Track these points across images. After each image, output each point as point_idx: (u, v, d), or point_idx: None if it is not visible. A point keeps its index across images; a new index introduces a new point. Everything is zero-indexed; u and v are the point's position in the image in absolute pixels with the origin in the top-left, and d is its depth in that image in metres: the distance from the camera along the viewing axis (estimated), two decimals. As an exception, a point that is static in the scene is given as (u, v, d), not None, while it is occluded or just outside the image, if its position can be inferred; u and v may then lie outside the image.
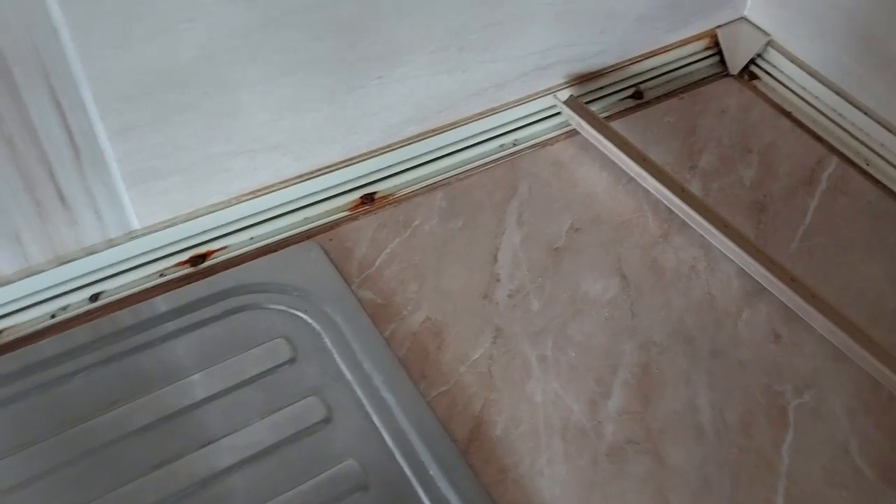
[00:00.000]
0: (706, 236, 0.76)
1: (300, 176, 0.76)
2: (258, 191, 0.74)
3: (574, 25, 0.82)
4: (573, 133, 0.86)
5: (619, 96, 0.89)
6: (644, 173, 0.79)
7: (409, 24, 0.71)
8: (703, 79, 0.93)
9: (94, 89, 0.58)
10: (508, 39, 0.79)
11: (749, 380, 0.67)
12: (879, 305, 0.73)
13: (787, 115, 0.90)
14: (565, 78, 0.87)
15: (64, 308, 0.67)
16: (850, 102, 0.87)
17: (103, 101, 0.60)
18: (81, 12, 0.54)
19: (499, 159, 0.83)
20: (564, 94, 0.86)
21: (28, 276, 0.66)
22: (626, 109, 0.89)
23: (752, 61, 0.94)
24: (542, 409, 0.64)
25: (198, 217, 0.72)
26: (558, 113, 0.87)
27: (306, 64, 0.68)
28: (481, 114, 0.83)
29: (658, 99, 0.91)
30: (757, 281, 0.73)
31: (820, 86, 0.89)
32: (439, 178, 0.80)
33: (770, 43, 0.93)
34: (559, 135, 0.85)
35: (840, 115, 0.88)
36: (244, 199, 0.74)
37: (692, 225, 0.77)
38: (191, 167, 0.68)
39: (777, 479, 0.61)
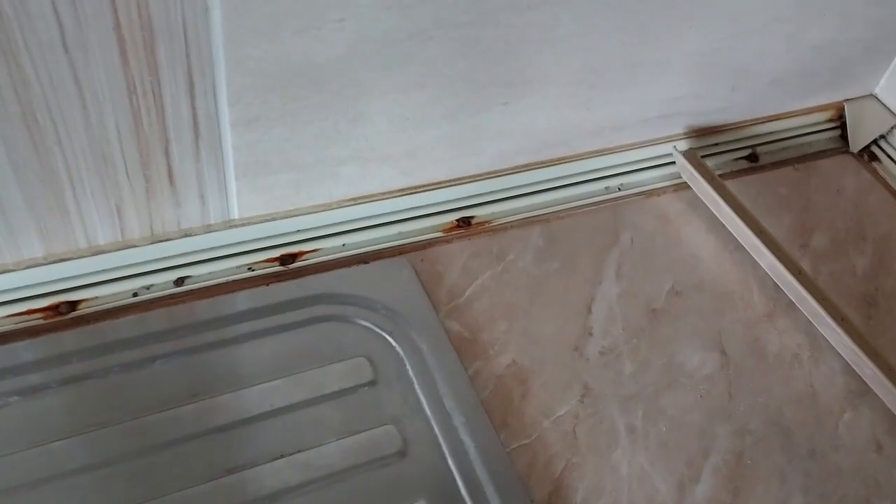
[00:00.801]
0: (814, 322, 0.72)
1: (403, 189, 0.73)
2: (360, 198, 0.72)
3: (707, 78, 0.78)
4: (682, 187, 0.82)
5: (733, 155, 0.86)
6: (758, 243, 0.75)
7: (548, 55, 0.68)
8: (822, 151, 0.89)
9: (229, 75, 0.56)
10: (640, 83, 0.75)
11: (846, 489, 0.63)
12: None
13: (904, 201, 0.87)
14: (685, 129, 0.83)
15: (148, 287, 0.65)
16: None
17: (236, 88, 0.57)
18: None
19: (602, 202, 0.79)
20: (682, 145, 0.83)
21: (119, 250, 0.64)
22: (739, 171, 0.85)
23: (875, 142, 0.90)
24: (627, 482, 0.61)
25: (296, 216, 0.69)
26: (670, 163, 0.83)
27: (440, 80, 0.65)
28: (594, 152, 0.80)
29: (773, 165, 0.87)
30: (863, 381, 0.69)
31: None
32: (539, 212, 0.77)
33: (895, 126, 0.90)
34: (667, 186, 0.82)
35: (964, 215, 0.84)
36: (345, 204, 0.71)
37: (801, 308, 0.73)
38: (302, 166, 0.65)
39: None
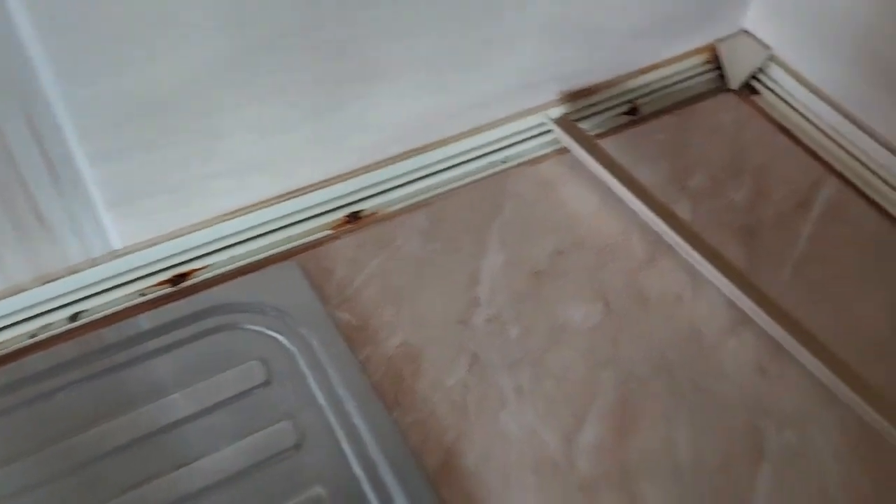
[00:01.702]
0: (693, 262, 0.76)
1: (283, 195, 0.76)
2: (241, 210, 0.75)
3: (563, 41, 0.81)
4: (564, 151, 0.85)
5: (613, 112, 0.88)
6: (632, 196, 0.78)
7: (393, 46, 0.71)
8: (702, 94, 0.92)
9: (73, 116, 0.59)
10: (495, 58, 0.78)
11: (731, 416, 0.67)
12: (873, 340, 0.72)
13: (786, 132, 0.88)
14: (557, 95, 0.86)
15: (45, 327, 0.68)
16: (853, 121, 0.85)
17: (83, 126, 0.60)
18: (59, 41, 0.55)
19: (486, 178, 0.83)
20: (557, 111, 0.86)
21: (9, 296, 0.68)
22: (620, 126, 0.88)
23: (753, 76, 0.93)
24: (516, 441, 0.64)
25: (180, 237, 0.72)
26: (549, 131, 0.86)
27: (293, 85, 0.68)
28: (468, 132, 0.82)
29: (654, 115, 0.90)
30: (744, 311, 0.73)
31: (821, 103, 0.87)
32: (424, 196, 0.80)
33: (772, 57, 0.92)
34: (550, 152, 0.85)
35: (841, 134, 0.86)
36: (227, 218, 0.74)
37: (679, 251, 0.77)
38: (174, 188, 0.68)
39: (752, 519, 0.61)
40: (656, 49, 0.90)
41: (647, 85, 0.90)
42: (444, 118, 0.80)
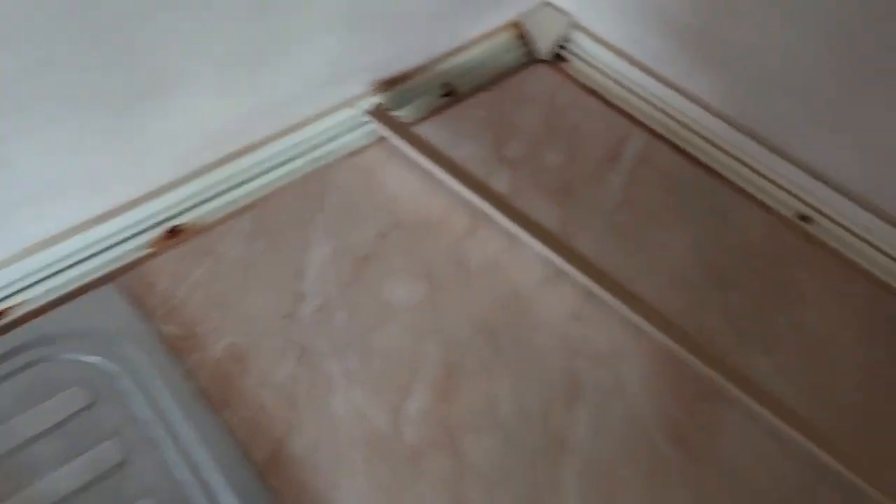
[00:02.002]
0: (508, 228, 0.79)
1: (96, 218, 0.75)
2: (52, 239, 0.74)
3: (363, 31, 0.84)
4: (384, 139, 0.88)
5: (431, 96, 0.91)
6: (446, 175, 0.81)
7: (182, 53, 0.71)
8: (514, 68, 0.96)
9: None
10: (296, 54, 0.80)
11: (549, 363, 0.70)
12: (680, 274, 0.76)
13: (594, 94, 0.93)
14: (370, 85, 0.88)
15: None
16: (653, 76, 0.90)
17: None
18: None
19: (308, 174, 0.84)
20: (373, 101, 0.88)
21: None
22: (439, 108, 0.91)
23: (561, 45, 0.98)
24: (345, 422, 0.66)
25: (-13, 275, 0.72)
26: (367, 121, 0.88)
27: (80, 104, 0.68)
28: (283, 131, 0.83)
29: (471, 93, 0.93)
30: (558, 266, 0.76)
31: (623, 62, 0.92)
32: (246, 201, 0.81)
33: (574, 25, 0.96)
34: (370, 143, 0.86)
35: (644, 88, 0.91)
36: (37, 249, 0.73)
37: (495, 219, 0.80)
38: (-34, 226, 0.68)
39: (569, 459, 0.64)
40: (462, 29, 0.93)
41: (460, 65, 0.93)
42: (255, 120, 0.81)
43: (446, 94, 0.92)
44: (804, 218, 0.80)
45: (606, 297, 0.70)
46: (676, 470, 0.64)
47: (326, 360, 0.69)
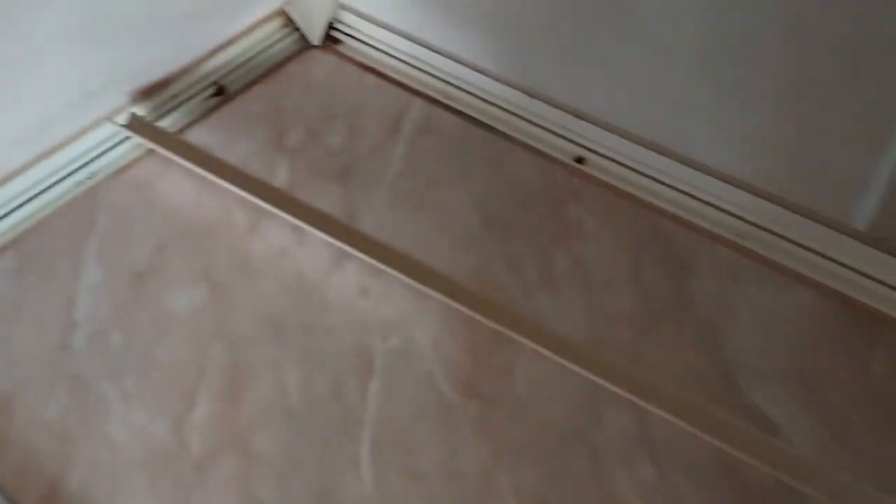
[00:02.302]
0: (289, 220, 0.77)
1: None
2: None
3: (113, 40, 0.80)
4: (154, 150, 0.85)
5: (199, 98, 0.88)
6: (219, 178, 0.78)
7: None
8: (288, 57, 0.94)
9: None
10: (38, 72, 0.75)
11: (338, 343, 0.69)
12: (466, 233, 0.76)
13: (372, 71, 0.93)
14: (130, 97, 0.85)
15: None
16: (422, 45, 0.91)
17: None
18: None
19: (75, 199, 0.79)
20: (135, 113, 0.83)
21: None
22: (211, 109, 0.88)
23: (332, 28, 0.97)
24: (124, 445, 0.62)
25: None
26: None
27: None
28: (38, 158, 0.78)
29: (244, 89, 0.91)
30: (341, 247, 0.76)
31: (393, 36, 0.93)
32: (8, 237, 0.76)
33: (342, 6, 0.96)
34: (140, 155, 0.83)
35: (416, 58, 0.91)
36: None
37: (276, 212, 0.78)
38: None
39: (363, 431, 0.63)
40: (225, 25, 0.90)
41: (228, 63, 0.91)
42: (6, 149, 0.77)
43: (217, 94, 0.90)
44: (579, 160, 0.83)
45: (391, 270, 0.70)
46: (469, 418, 0.64)
47: (102, 385, 0.66)
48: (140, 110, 0.85)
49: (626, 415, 0.64)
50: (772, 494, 0.60)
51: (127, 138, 0.83)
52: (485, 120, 0.87)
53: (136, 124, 0.82)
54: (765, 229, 0.74)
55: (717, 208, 0.76)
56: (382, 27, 0.93)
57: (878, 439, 0.63)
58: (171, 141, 0.82)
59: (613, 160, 0.81)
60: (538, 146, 0.84)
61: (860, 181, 0.68)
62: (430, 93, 0.90)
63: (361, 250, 0.71)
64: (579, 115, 0.82)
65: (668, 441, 0.63)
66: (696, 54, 0.70)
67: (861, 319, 0.70)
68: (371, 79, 0.92)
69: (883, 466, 0.61)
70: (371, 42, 0.94)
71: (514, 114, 0.86)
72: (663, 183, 0.79)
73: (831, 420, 0.64)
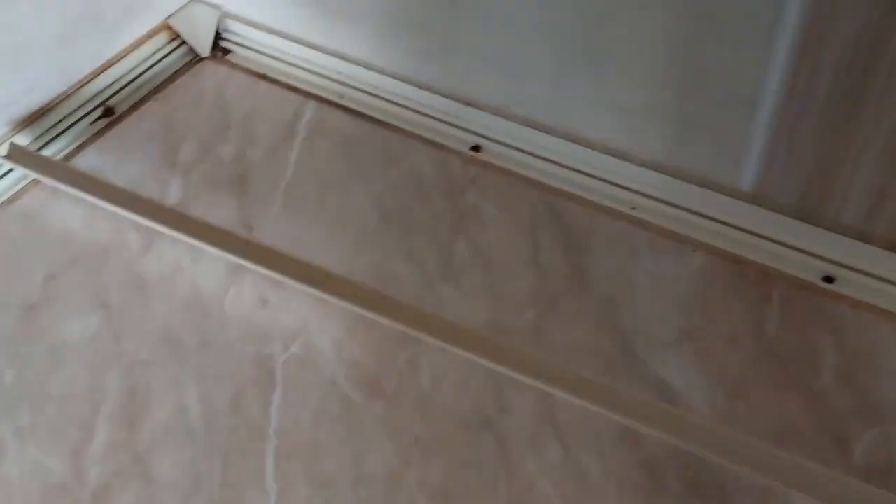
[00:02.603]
0: (180, 235, 0.75)
1: None
2: None
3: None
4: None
5: (86, 121, 0.86)
6: (105, 203, 0.77)
7: None
8: (177, 71, 0.93)
9: None
10: None
11: (238, 356, 0.68)
12: (366, 231, 0.76)
13: (263, 78, 0.91)
14: (9, 125, 0.82)
15: None
16: (312, 47, 0.90)
17: None
18: None
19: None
20: (17, 142, 0.81)
21: None
22: (100, 131, 0.86)
23: (220, 38, 0.96)
24: (19, 485, 0.60)
25: None
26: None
27: None
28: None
29: (133, 108, 0.89)
30: (237, 261, 0.75)
31: (282, 40, 0.91)
32: None
33: (227, 15, 0.95)
34: (27, 185, 0.80)
35: (307, 60, 0.90)
36: None
37: (168, 230, 0.76)
38: None
39: (267, 444, 0.62)
40: (104, 45, 0.88)
41: (114, 82, 0.89)
42: None
43: (105, 115, 0.88)
44: (476, 148, 0.84)
45: (287, 280, 0.70)
46: (374, 418, 0.64)
47: (-5, 426, 0.65)
48: (22, 139, 0.83)
49: (531, 399, 0.65)
50: (674, 461, 0.61)
51: (10, 170, 0.82)
52: (379, 116, 0.86)
53: (17, 154, 0.80)
54: (656, 199, 0.75)
55: (610, 182, 0.77)
56: (270, 33, 0.92)
57: (771, 393, 0.64)
58: (55, 168, 0.80)
59: (507, 145, 0.81)
60: (433, 138, 0.84)
61: (739, 143, 0.69)
62: (323, 94, 0.89)
63: (256, 262, 0.70)
64: (470, 104, 0.82)
65: (574, 420, 0.64)
66: (562, 31, 0.71)
67: (754, 278, 0.71)
68: (263, 86, 0.91)
69: (776, 419, 0.63)
70: (261, 49, 0.93)
71: (406, 107, 0.86)
72: (556, 163, 0.80)
73: (727, 379, 0.65)
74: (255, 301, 0.72)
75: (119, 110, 0.88)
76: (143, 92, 0.90)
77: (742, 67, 0.63)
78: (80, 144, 0.85)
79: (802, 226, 0.70)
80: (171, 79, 0.92)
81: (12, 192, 0.80)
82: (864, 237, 0.68)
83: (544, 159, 0.80)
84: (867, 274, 0.68)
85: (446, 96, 0.83)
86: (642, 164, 0.76)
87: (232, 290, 0.72)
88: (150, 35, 0.92)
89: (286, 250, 0.72)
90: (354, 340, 0.68)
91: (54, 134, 0.84)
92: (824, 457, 0.60)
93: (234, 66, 0.94)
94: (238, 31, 0.94)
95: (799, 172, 0.67)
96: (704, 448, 0.59)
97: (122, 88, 0.89)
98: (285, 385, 0.66)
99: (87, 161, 0.84)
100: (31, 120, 0.83)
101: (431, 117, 0.85)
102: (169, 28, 0.93)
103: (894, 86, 0.57)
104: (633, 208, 0.76)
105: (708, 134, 0.70)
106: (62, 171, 0.79)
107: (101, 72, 0.88)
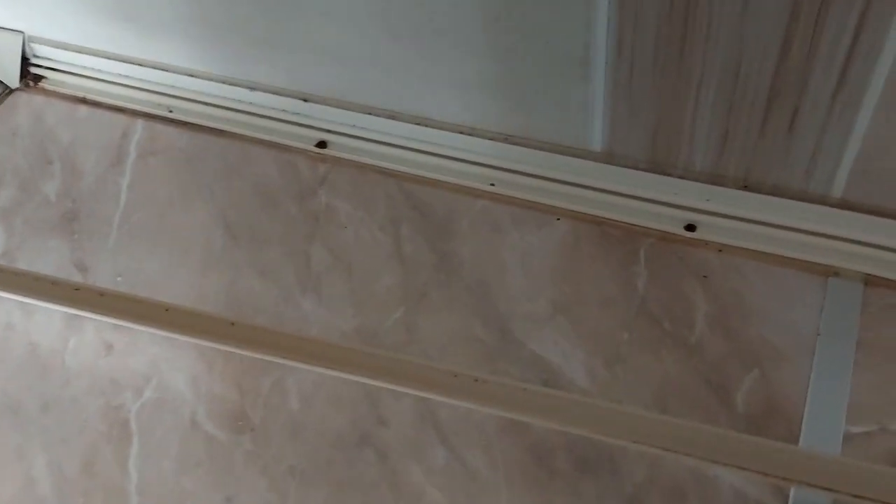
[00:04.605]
0: (6, 294, 0.71)
1: None
2: None
3: None
4: None
5: None
6: None
7: None
8: (-15, 106, 0.87)
9: None
10: None
11: (86, 412, 0.63)
12: (210, 250, 0.72)
13: (83, 101, 0.85)
14: None
15: None
16: (131, 62, 0.84)
17: None
18: None
19: None
20: None
21: None
22: None
23: (29, 64, 0.89)
24: None
25: None
26: None
27: None
28: None
29: (-62, 155, 0.83)
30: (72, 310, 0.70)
31: (97, 58, 0.85)
32: None
33: (31, 39, 0.88)
34: None
35: (129, 77, 0.84)
36: None
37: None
38: None
39: (128, 500, 0.60)
40: None
41: (-89, 129, 0.83)
42: None
43: None
44: (322, 144, 0.80)
45: (128, 324, 0.65)
46: (244, 453, 0.61)
47: None
48: None
49: (409, 404, 0.63)
50: (561, 441, 0.61)
51: None
52: (214, 125, 0.82)
53: None
54: (513, 171, 0.74)
55: (465, 161, 0.76)
56: (83, 53, 0.86)
57: (648, 353, 0.64)
58: None
59: (354, 136, 0.79)
60: (275, 139, 0.80)
61: (581, 104, 0.69)
62: (151, 110, 0.84)
63: (91, 309, 0.65)
64: (307, 99, 0.79)
65: (455, 417, 0.62)
66: (384, 13, 0.68)
67: (619, 237, 0.71)
68: (84, 110, 0.85)
69: (657, 378, 0.63)
70: (76, 71, 0.87)
71: (241, 111, 0.81)
72: (407, 148, 0.77)
73: (604, 347, 0.65)
74: (100, 348, 0.67)
75: (-79, 160, 0.82)
76: (-53, 136, 0.84)
77: (568, 28, 0.62)
78: None
79: (657, 178, 0.70)
80: (-22, 116, 0.86)
81: None
82: (716, 180, 0.69)
83: (394, 146, 0.78)
84: (726, 216, 0.69)
85: (280, 94, 0.80)
86: (493, 138, 0.74)
87: (72, 341, 0.67)
88: (-54, 71, 0.86)
89: (125, 289, 0.68)
90: (213, 373, 0.65)
91: None
92: (707, 409, 0.61)
93: (48, 93, 0.87)
94: (47, 55, 0.87)
95: (644, 126, 0.67)
96: (584, 428, 0.58)
97: (-79, 135, 0.83)
98: (142, 435, 0.62)
99: None
100: None
101: (269, 118, 0.81)
102: (-35, 61, 0.87)
103: (717, 26, 0.58)
104: (493, 184, 0.75)
105: (548, 99, 0.69)
106: None
107: None
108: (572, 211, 0.72)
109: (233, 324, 0.62)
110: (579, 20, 0.61)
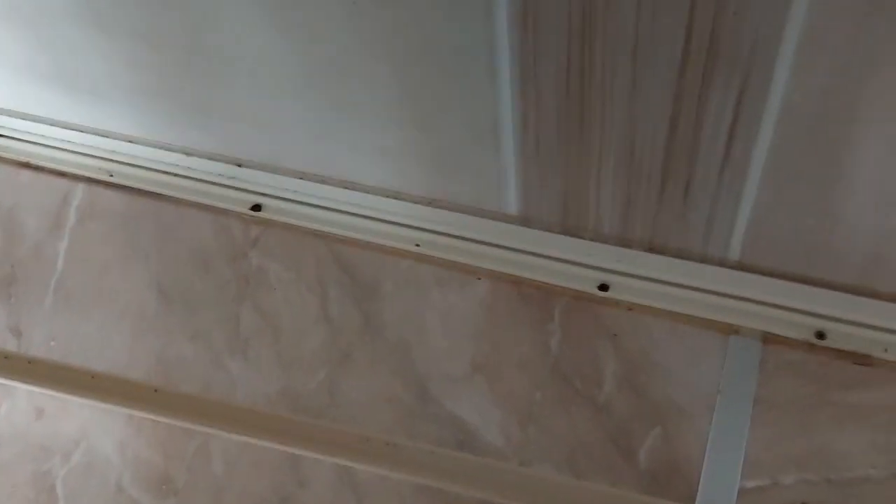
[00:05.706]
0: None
1: None
2: None
3: None
4: None
5: None
6: None
7: None
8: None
9: None
10: None
11: (14, 479, 0.66)
12: (143, 314, 0.75)
13: (26, 166, 0.89)
14: None
15: None
16: (73, 128, 0.87)
17: None
18: None
19: None
20: None
21: None
22: None
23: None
24: None
25: None
26: None
27: None
28: None
29: None
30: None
31: (39, 124, 0.89)
32: None
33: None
34: None
35: (71, 142, 0.88)
36: None
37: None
38: None
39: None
40: None
41: None
42: None
43: None
44: (256, 207, 0.84)
45: (56, 393, 0.68)
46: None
47: None
48: None
49: (329, 466, 0.66)
50: (476, 500, 0.64)
51: None
52: (152, 188, 0.85)
53: None
54: (436, 233, 0.78)
55: (391, 223, 0.79)
56: (26, 118, 0.89)
57: (560, 413, 0.68)
58: None
59: (287, 199, 0.82)
60: (211, 202, 0.84)
61: (495, 170, 0.72)
62: (92, 174, 0.87)
63: (19, 378, 0.68)
64: (241, 164, 0.83)
65: (373, 480, 0.65)
66: (306, 85, 0.71)
67: (536, 298, 0.75)
68: (26, 175, 0.88)
69: (567, 438, 0.66)
70: (18, 136, 0.90)
71: (178, 175, 0.85)
72: (337, 210, 0.81)
73: (519, 406, 0.68)
74: (31, 414, 0.70)
75: None
76: None
77: (476, 103, 0.66)
78: None
79: (570, 240, 0.74)
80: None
81: None
82: (625, 243, 0.73)
83: (325, 209, 0.81)
84: (636, 276, 0.73)
85: (215, 159, 0.83)
86: (417, 202, 0.78)
87: (4, 406, 0.70)
88: None
89: (57, 354, 0.70)
90: (140, 437, 0.68)
91: None
92: (612, 467, 0.64)
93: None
94: (-12, 119, 0.91)
95: (554, 191, 0.71)
96: (491, 492, 0.61)
97: None
98: (67, 501, 0.64)
99: None
100: None
101: (205, 181, 0.84)
102: None
103: (609, 105, 0.62)
104: (418, 245, 0.79)
105: (466, 166, 0.73)
106: None
107: None
108: (492, 271, 0.76)
109: (156, 390, 0.66)
110: (486, 97, 0.65)
